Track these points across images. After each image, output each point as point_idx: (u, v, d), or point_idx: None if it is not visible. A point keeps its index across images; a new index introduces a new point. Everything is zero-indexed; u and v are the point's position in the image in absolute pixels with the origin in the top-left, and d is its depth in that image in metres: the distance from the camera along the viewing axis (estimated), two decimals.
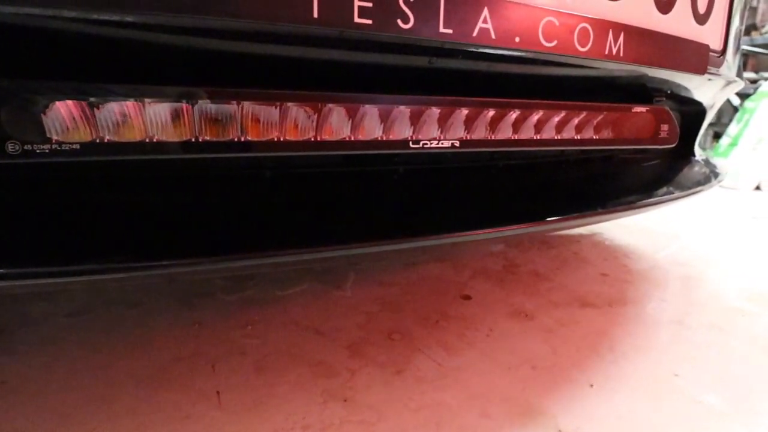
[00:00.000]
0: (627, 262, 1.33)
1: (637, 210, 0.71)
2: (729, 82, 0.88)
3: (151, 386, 0.72)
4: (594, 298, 1.06)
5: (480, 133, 0.47)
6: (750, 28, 3.95)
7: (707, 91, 0.78)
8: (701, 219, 1.93)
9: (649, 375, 0.76)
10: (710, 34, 0.61)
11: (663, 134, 0.64)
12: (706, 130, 3.91)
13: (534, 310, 0.99)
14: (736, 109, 3.13)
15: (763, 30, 3.88)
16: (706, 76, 0.72)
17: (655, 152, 0.90)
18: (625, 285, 1.15)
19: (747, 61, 4.11)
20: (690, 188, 0.82)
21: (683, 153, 0.91)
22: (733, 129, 2.80)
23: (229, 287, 1.08)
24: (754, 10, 4.13)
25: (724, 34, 0.64)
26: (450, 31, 0.37)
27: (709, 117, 0.94)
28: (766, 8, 4.04)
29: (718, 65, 0.65)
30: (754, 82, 3.78)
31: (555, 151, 0.69)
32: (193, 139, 0.39)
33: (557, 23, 0.43)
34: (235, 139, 0.40)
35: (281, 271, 1.19)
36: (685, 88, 0.71)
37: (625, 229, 1.71)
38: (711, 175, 0.95)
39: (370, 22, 0.34)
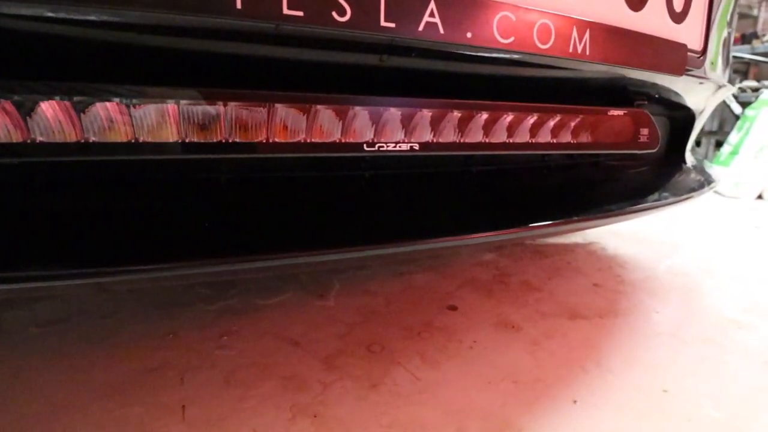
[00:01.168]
0: (621, 273, 1.29)
1: (624, 217, 0.68)
2: (719, 87, 0.86)
3: (118, 398, 0.69)
4: (584, 310, 1.02)
5: (444, 136, 0.45)
6: (751, 37, 3.93)
7: (695, 95, 0.75)
8: (701, 228, 1.89)
9: (637, 391, 0.72)
10: (688, 34, 0.59)
11: (643, 139, 0.61)
12: (708, 138, 3.87)
13: (521, 321, 0.96)
14: (737, 118, 3.10)
15: (764, 38, 3.86)
16: (693, 79, 0.70)
17: (644, 159, 0.87)
18: (617, 296, 1.12)
19: (749, 69, 4.09)
20: (680, 195, 0.79)
21: (673, 160, 0.88)
22: (734, 137, 2.77)
23: (210, 296, 1.06)
24: (755, 19, 4.12)
25: (704, 34, 0.62)
26: (392, 24, 0.35)
27: (700, 123, 0.91)
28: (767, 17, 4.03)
29: (698, 66, 0.62)
30: (755, 90, 3.76)
31: (535, 156, 0.67)
32: (134, 140, 0.37)
33: (514, 18, 0.41)
34: (179, 141, 0.38)
35: (265, 280, 1.16)
36: (671, 92, 0.69)
37: (622, 239, 1.68)
38: (703, 182, 0.92)
39: (300, 14, 0.32)
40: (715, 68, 0.70)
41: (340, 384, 0.72)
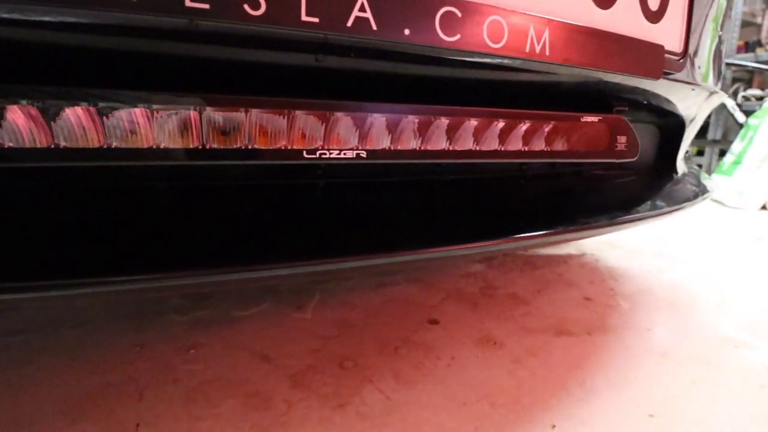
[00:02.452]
0: (615, 286, 1.25)
1: (607, 229, 0.65)
2: (711, 93, 0.82)
3: (73, 414, 0.66)
4: (572, 325, 0.98)
5: (400, 143, 0.41)
6: (755, 45, 3.89)
7: (684, 101, 0.72)
8: (701, 240, 1.84)
9: (621, 415, 0.68)
10: (666, 35, 0.55)
11: (620, 147, 0.57)
12: (712, 148, 3.81)
13: (504, 337, 0.91)
14: (741, 127, 3.05)
15: None
16: (679, 85, 0.67)
17: (633, 168, 0.84)
18: (608, 311, 1.07)
19: (752, 78, 4.04)
20: (669, 206, 0.75)
21: (664, 169, 0.84)
22: (736, 146, 2.72)
23: (184, 306, 1.03)
24: (758, 27, 4.08)
25: (684, 36, 0.58)
26: (315, 19, 0.32)
27: (692, 131, 0.87)
28: None
29: (679, 69, 0.59)
30: (760, 99, 3.71)
31: (511, 165, 0.64)
32: (53, 146, 0.34)
33: (459, 15, 0.37)
34: (104, 146, 0.35)
35: (243, 290, 1.13)
36: (656, 98, 0.65)
37: (618, 250, 1.63)
38: (696, 192, 0.88)
39: (206, 6, 0.29)
40: (702, 73, 0.66)
41: (306, 403, 0.68)
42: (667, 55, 0.55)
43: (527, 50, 0.42)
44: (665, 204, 0.73)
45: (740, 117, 3.42)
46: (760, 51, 3.82)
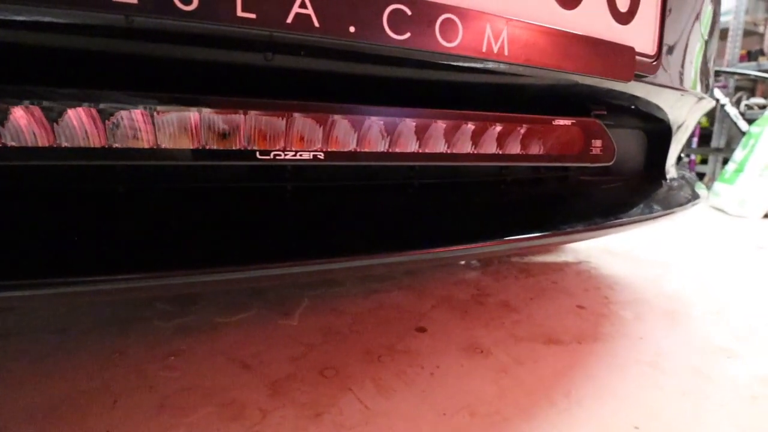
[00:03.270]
0: (609, 294, 1.22)
1: (590, 233, 0.63)
2: (699, 99, 0.81)
3: (44, 421, 0.65)
4: (562, 334, 0.96)
5: (359, 144, 0.40)
6: (757, 54, 3.87)
7: (668, 106, 0.71)
8: (701, 248, 1.81)
9: (605, 427, 0.66)
10: (637, 37, 0.54)
11: (595, 151, 0.56)
12: (715, 156, 3.78)
13: (492, 345, 0.90)
14: (744, 135, 3.02)
15: None
16: (663, 89, 0.66)
17: (621, 174, 0.82)
18: (601, 319, 1.05)
19: (755, 86, 4.02)
20: (656, 212, 0.73)
21: (652, 175, 0.83)
22: (738, 154, 2.69)
23: (169, 312, 1.02)
24: (761, 36, 4.06)
25: (657, 38, 0.57)
26: (251, 15, 0.31)
27: (681, 137, 0.86)
28: None
29: (652, 71, 0.57)
30: (763, 107, 3.68)
31: (492, 169, 0.63)
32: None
33: (409, 12, 0.37)
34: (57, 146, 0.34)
35: (230, 295, 1.12)
36: (637, 101, 0.63)
37: (616, 258, 1.61)
38: (687, 198, 0.87)
39: (134, 1, 0.28)
40: (684, 77, 0.65)
41: (281, 412, 0.67)
42: (639, 58, 0.54)
43: (484, 50, 0.41)
44: (652, 210, 0.72)
45: (743, 125, 3.39)
46: (762, 60, 3.81)
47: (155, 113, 0.33)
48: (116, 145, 0.35)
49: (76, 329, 0.93)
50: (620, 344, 0.93)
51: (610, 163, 0.59)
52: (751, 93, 4.00)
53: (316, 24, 0.33)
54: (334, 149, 0.40)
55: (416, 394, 0.72)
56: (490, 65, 0.43)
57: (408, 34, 0.37)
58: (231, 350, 0.85)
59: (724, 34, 3.87)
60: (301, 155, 0.39)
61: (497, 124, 0.48)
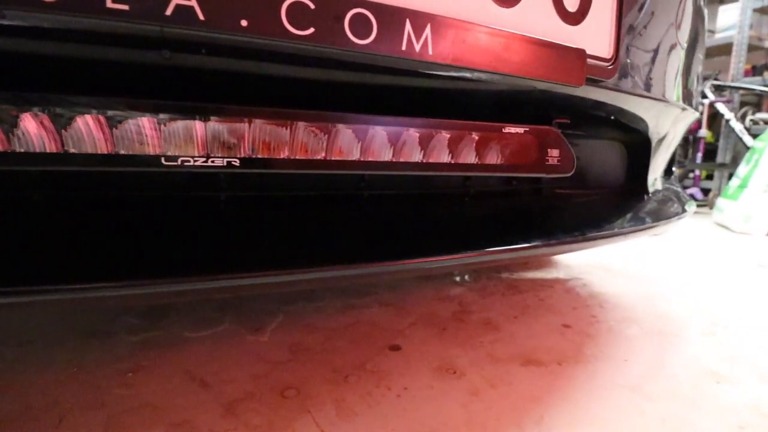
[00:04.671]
0: (598, 313, 1.17)
1: (550, 249, 0.60)
2: (682, 110, 0.78)
3: None
4: (543, 354, 0.91)
5: (271, 151, 0.38)
6: (762, 69, 3.83)
7: (643, 117, 0.68)
8: (699, 266, 1.75)
9: None
10: (590, 39, 0.51)
11: (552, 161, 0.53)
12: (721, 171, 3.71)
13: (467, 366, 0.86)
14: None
15: None
16: (634, 98, 0.63)
17: (601, 187, 0.79)
18: (586, 339, 1.00)
19: (761, 101, 3.96)
20: (634, 227, 0.70)
21: (634, 188, 0.79)
22: (742, 170, 2.63)
23: (137, 326, 1.00)
24: (766, 51, 4.03)
25: (614, 40, 0.54)
26: (124, 7, 0.28)
27: (665, 150, 0.82)
28: None
29: (608, 76, 0.54)
30: None
31: (455, 180, 0.60)
32: None
33: (312, 6, 0.34)
34: None
35: (203, 310, 1.10)
36: (601, 107, 0.60)
37: (609, 274, 1.56)
38: (673, 212, 0.83)
39: None
40: (656, 84, 0.62)
41: None
42: (592, 61, 0.51)
43: (403, 48, 0.38)
44: (630, 224, 0.68)
45: (748, 141, 3.34)
46: (767, 75, 3.76)
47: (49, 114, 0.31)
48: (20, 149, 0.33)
49: (41, 342, 0.91)
50: (603, 366, 0.88)
51: (569, 174, 0.56)
52: (757, 108, 3.95)
53: (201, 17, 0.31)
54: (250, 156, 0.38)
55: (378, 418, 0.69)
56: (421, 66, 0.41)
57: (311, 30, 0.35)
58: (193, 367, 0.82)
59: (728, 48, 3.84)
60: (213, 162, 0.36)
61: (438, 130, 0.45)
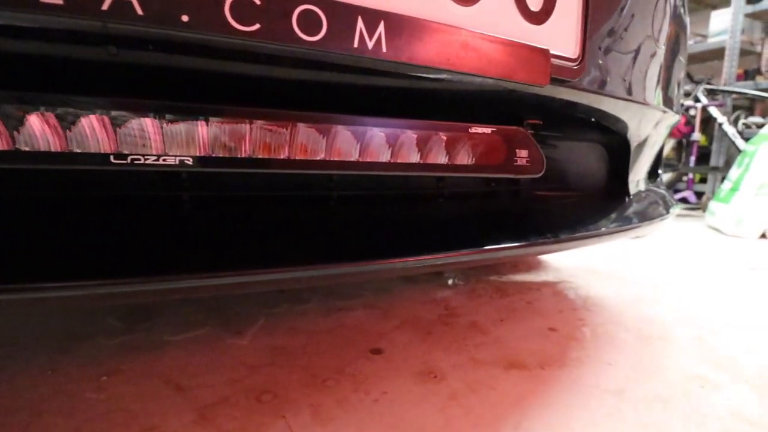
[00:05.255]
0: (585, 316, 1.17)
1: (522, 251, 0.59)
2: (664, 111, 0.77)
3: None
4: (527, 358, 0.90)
5: (228, 150, 0.37)
6: (754, 73, 3.85)
7: (619, 118, 0.67)
8: (690, 269, 1.74)
9: None
10: (555, 38, 0.50)
11: (520, 162, 0.52)
12: (714, 175, 3.71)
13: (448, 369, 0.84)
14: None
15: None
16: (606, 99, 0.62)
17: (581, 189, 0.78)
18: (572, 343, 1.00)
19: (754, 105, 3.98)
20: (613, 228, 0.69)
21: (615, 191, 0.79)
22: (734, 173, 2.63)
23: (116, 329, 0.98)
24: (758, 56, 4.05)
25: (580, 40, 0.53)
26: (57, 1, 0.28)
27: (645, 152, 0.82)
28: None
29: (575, 76, 0.53)
30: (761, 126, 3.63)
31: (428, 182, 0.59)
32: None
33: (258, 2, 0.33)
34: None
35: (185, 313, 1.08)
36: (573, 107, 0.59)
37: (599, 277, 1.55)
38: (655, 214, 0.82)
39: None
40: (629, 86, 0.61)
41: None
42: (558, 61, 0.50)
43: (356, 45, 0.37)
44: (606, 226, 0.67)
45: (741, 144, 3.35)
46: (759, 79, 3.78)
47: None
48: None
49: (22, 344, 0.90)
50: (587, 370, 0.87)
51: (539, 175, 0.55)
52: (750, 112, 3.97)
53: (139, 11, 0.30)
54: (204, 155, 0.37)
55: (354, 423, 0.67)
56: (377, 64, 0.40)
57: (257, 26, 0.34)
58: (169, 371, 0.81)
59: (720, 53, 3.86)
60: (165, 160, 0.35)
61: (402, 130, 0.44)
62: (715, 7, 4.24)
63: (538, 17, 0.49)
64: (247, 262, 0.40)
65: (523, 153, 0.52)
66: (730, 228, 2.46)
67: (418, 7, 0.41)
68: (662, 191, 0.99)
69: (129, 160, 0.34)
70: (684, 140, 3.80)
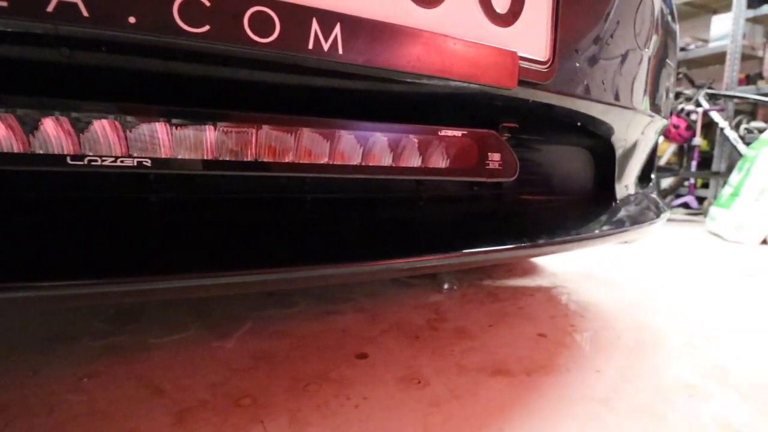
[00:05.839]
0: (577, 322, 1.15)
1: (499, 255, 0.58)
2: (651, 116, 0.76)
3: None
4: (513, 364, 0.89)
5: (189, 151, 0.36)
6: (756, 78, 3.83)
7: (603, 122, 0.66)
8: (688, 275, 1.72)
9: None
10: (524, 41, 0.50)
11: (492, 165, 0.51)
12: (716, 180, 3.69)
13: (432, 375, 0.83)
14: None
15: None
16: (587, 103, 0.62)
17: (567, 194, 0.78)
18: (560, 349, 0.98)
19: (756, 110, 3.96)
20: (597, 233, 0.68)
21: (601, 196, 0.78)
22: (734, 178, 2.61)
23: (102, 331, 0.98)
24: (760, 60, 4.03)
25: (550, 43, 0.52)
26: (2, 3, 0.28)
27: (633, 156, 0.81)
28: None
29: (545, 79, 0.52)
30: (763, 131, 3.61)
31: (408, 185, 0.58)
32: None
33: (207, 3, 0.33)
34: None
35: (171, 315, 1.08)
36: (550, 110, 0.58)
37: (594, 283, 1.54)
38: (643, 218, 0.81)
39: None
40: (608, 89, 0.60)
41: None
42: (525, 63, 0.50)
43: (310, 47, 0.37)
44: (589, 230, 0.66)
45: (743, 149, 3.32)
46: (761, 83, 3.76)
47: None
48: None
49: (6, 344, 0.90)
50: (574, 377, 0.86)
51: (512, 179, 0.54)
52: (752, 117, 3.94)
53: (85, 13, 0.30)
54: (160, 156, 0.36)
55: (331, 429, 0.67)
56: (335, 67, 0.39)
57: (206, 27, 0.34)
58: (151, 373, 0.81)
59: (722, 57, 3.84)
60: (123, 162, 0.35)
61: (371, 132, 0.44)
62: (716, 11, 4.23)
63: (505, 19, 0.48)
64: (203, 265, 0.39)
65: (496, 156, 0.52)
66: (731, 234, 2.44)
67: (378, 9, 0.41)
68: (653, 196, 0.98)
69: (86, 162, 0.34)
70: (685, 145, 3.77)
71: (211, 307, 1.15)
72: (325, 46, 0.38)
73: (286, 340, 0.97)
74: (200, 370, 0.82)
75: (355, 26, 0.39)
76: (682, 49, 4.20)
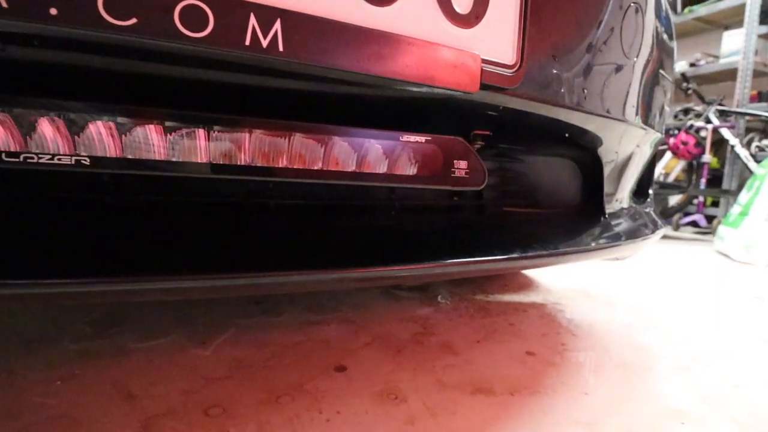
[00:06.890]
0: (568, 341, 1.12)
1: (472, 268, 0.56)
2: (643, 128, 0.74)
3: None
4: (496, 383, 0.86)
5: (124, 151, 0.35)
6: None
7: (587, 132, 0.64)
8: (690, 296, 1.67)
9: None
10: (488, 43, 0.48)
11: (458, 173, 0.49)
12: (726, 198, 3.60)
13: (411, 391, 0.81)
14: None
15: None
16: (571, 112, 0.60)
17: (552, 207, 0.76)
18: (548, 369, 0.95)
19: (767, 128, 3.88)
20: (583, 249, 0.66)
21: (590, 210, 0.75)
22: (744, 197, 2.55)
23: (82, 333, 0.98)
24: None
25: (518, 46, 0.50)
26: None
27: (624, 169, 0.78)
28: None
29: (511, 83, 0.50)
30: None
31: (381, 193, 0.57)
32: None
33: None
34: None
35: (155, 320, 1.07)
36: (525, 117, 0.56)
37: (591, 301, 1.50)
38: (636, 234, 0.79)
39: None
40: (589, 97, 0.58)
41: None
42: (490, 67, 0.48)
43: (248, 43, 0.36)
44: (576, 245, 0.64)
45: (754, 167, 3.25)
46: None
47: None
48: None
49: None
50: (560, 399, 0.83)
51: (480, 188, 0.52)
52: (763, 134, 3.86)
53: (3, 4, 0.30)
54: (97, 154, 0.35)
55: None
56: (277, 64, 0.38)
57: (133, 20, 0.33)
58: (125, 378, 0.80)
59: (733, 74, 3.79)
60: (60, 159, 0.34)
61: (329, 136, 0.43)
62: (727, 27, 4.18)
63: (467, 21, 0.46)
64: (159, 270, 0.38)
65: (462, 164, 0.50)
66: (739, 254, 2.37)
67: (327, 6, 0.39)
68: (648, 211, 0.95)
69: (21, 159, 0.33)
70: (694, 162, 3.70)
71: (194, 313, 1.14)
72: (264, 43, 0.37)
73: (265, 349, 0.95)
74: (174, 377, 0.81)
75: (297, 22, 0.38)
76: (693, 65, 4.16)
